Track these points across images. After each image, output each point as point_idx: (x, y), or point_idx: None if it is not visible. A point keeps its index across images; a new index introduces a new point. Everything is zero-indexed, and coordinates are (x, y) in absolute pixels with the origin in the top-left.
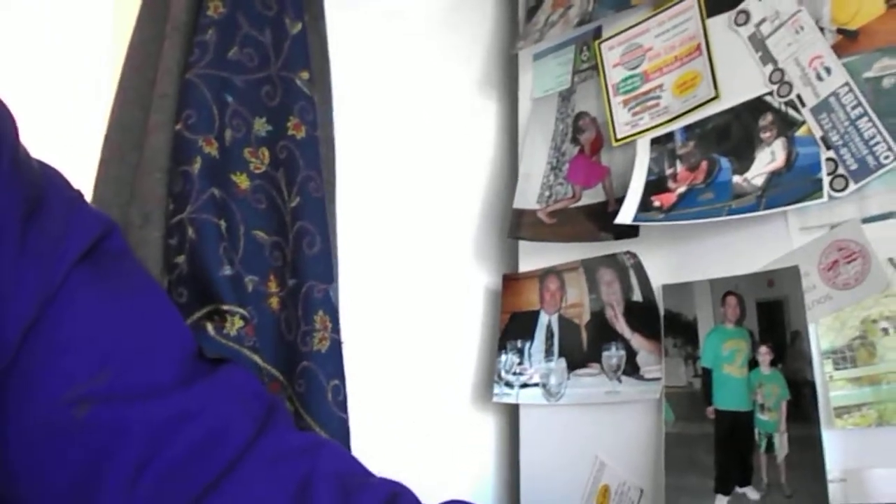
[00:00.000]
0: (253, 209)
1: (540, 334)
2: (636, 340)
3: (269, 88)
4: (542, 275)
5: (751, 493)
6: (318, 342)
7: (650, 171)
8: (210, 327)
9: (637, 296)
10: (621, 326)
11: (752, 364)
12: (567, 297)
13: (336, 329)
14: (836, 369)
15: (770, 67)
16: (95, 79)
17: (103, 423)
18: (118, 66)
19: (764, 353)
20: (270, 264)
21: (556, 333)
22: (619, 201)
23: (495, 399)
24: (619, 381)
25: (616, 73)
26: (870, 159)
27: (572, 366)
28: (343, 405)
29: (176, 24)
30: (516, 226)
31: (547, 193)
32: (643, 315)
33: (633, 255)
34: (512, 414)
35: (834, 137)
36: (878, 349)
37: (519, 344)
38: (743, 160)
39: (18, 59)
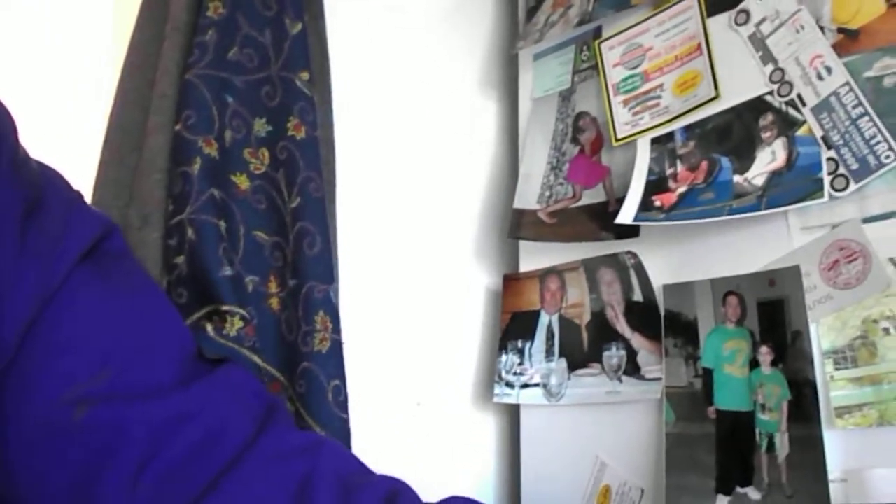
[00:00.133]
0: (253, 210)
1: (540, 334)
2: (637, 340)
3: (269, 89)
4: (543, 275)
5: (752, 493)
6: (319, 343)
7: (651, 171)
8: (210, 328)
9: (638, 296)
10: (622, 326)
11: (753, 364)
12: (568, 297)
13: (337, 330)
14: (837, 369)
15: (770, 67)
16: (95, 80)
17: (103, 423)
18: (118, 66)
19: (765, 353)
20: (271, 265)
21: (557, 333)
22: (620, 201)
23: (496, 399)
24: (620, 381)
25: (616, 73)
26: (870, 159)
27: (573, 366)
28: (344, 406)
29: (176, 24)
30: (517, 226)
31: (547, 193)
32: (644, 315)
33: (634, 255)
34: (513, 414)
35: (835, 137)
36: (879, 349)
37: (519, 344)
38: (743, 160)
39: (18, 59)
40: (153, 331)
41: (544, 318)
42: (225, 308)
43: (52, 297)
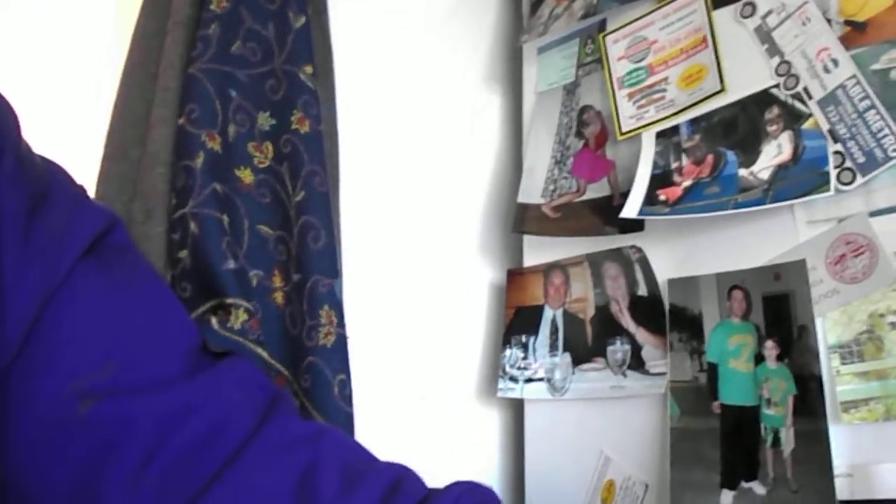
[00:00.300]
0: (257, 204)
1: (544, 329)
2: (641, 335)
3: (273, 82)
4: (547, 269)
5: (757, 487)
6: (324, 337)
7: (655, 165)
8: (214, 321)
9: (642, 290)
10: (626, 321)
11: (759, 358)
12: (572, 291)
13: (341, 324)
14: (843, 364)
15: (776, 60)
16: (97, 75)
17: (107, 418)
18: (120, 61)
19: (770, 348)
20: (275, 259)
21: (561, 328)
22: (625, 195)
23: (500, 394)
24: (624, 375)
25: (621, 67)
26: (877, 152)
27: (577, 360)
28: (349, 399)
29: (179, 18)
30: (521, 220)
31: (551, 187)
32: (648, 309)
33: (639, 249)
34: (517, 409)
35: (841, 130)
36: (885, 343)
37: (523, 339)
38: (749, 153)
39: (20, 56)
40: (157, 324)
41: (548, 313)
42: (229, 301)
43: (55, 294)
